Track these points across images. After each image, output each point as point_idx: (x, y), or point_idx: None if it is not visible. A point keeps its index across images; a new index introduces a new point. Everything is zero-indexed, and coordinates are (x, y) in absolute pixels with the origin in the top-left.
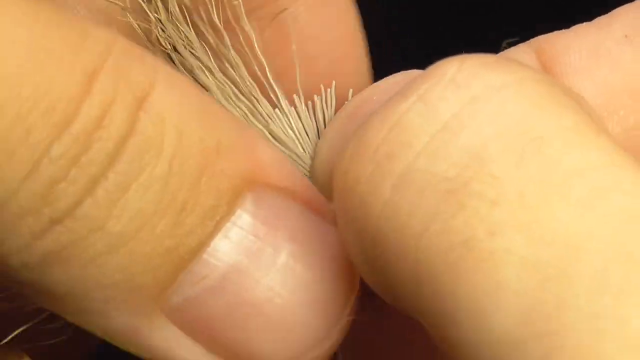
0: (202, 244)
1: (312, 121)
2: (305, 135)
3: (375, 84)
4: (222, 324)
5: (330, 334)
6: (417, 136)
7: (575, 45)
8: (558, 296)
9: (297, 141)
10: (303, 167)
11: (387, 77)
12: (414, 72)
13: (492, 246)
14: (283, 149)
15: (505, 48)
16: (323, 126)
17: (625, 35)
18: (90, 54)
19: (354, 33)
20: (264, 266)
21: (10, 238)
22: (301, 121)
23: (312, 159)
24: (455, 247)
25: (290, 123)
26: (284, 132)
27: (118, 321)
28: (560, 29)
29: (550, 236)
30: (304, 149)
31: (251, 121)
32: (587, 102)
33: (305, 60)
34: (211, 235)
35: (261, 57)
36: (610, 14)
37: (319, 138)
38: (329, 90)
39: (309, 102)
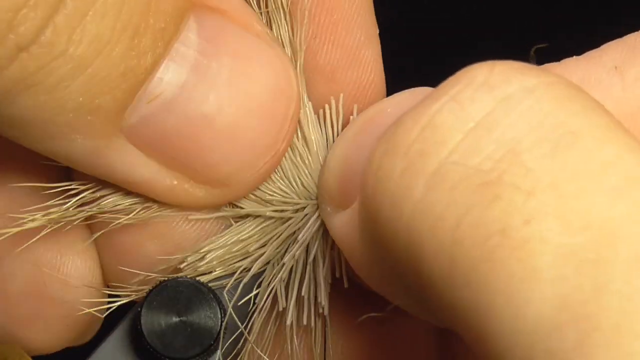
0: (155, 64)
1: (321, 130)
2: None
3: (386, 98)
4: (175, 139)
5: (277, 141)
6: (450, 134)
7: (566, 76)
8: (594, 280)
9: (308, 146)
10: (309, 173)
11: (398, 93)
12: (426, 89)
13: (527, 234)
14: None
15: (534, 55)
16: (331, 136)
17: (615, 67)
18: None
19: (376, 58)
20: (210, 81)
21: None
22: (310, 129)
23: (322, 166)
24: (491, 236)
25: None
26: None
27: (81, 144)
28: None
29: (585, 223)
30: (310, 158)
31: None
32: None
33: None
34: (162, 55)
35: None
36: (600, 48)
37: (327, 147)
38: (339, 100)
39: (320, 111)
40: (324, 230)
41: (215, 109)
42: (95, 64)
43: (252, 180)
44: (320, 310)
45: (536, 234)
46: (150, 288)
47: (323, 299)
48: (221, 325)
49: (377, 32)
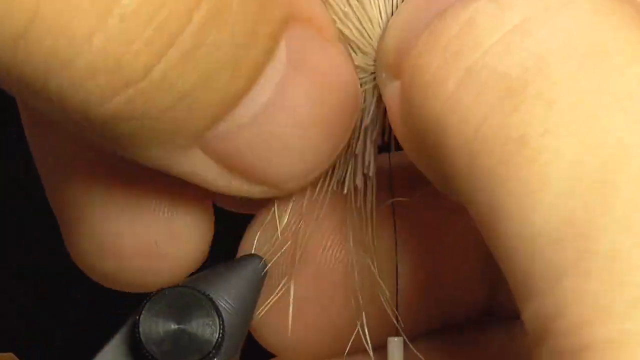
0: (247, 89)
1: None
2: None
3: None
4: (246, 154)
5: (332, 156)
6: (486, 35)
7: None
8: (600, 202)
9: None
10: (368, 38)
11: None
12: None
13: (543, 145)
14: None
15: None
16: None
17: None
18: None
19: None
20: (290, 101)
21: (80, 94)
22: None
23: (382, 32)
24: (509, 141)
25: None
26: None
27: (155, 153)
28: None
29: (601, 142)
30: (371, 22)
31: None
32: None
33: None
34: (255, 80)
35: None
36: None
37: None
38: None
39: None
40: (379, 102)
41: (289, 130)
42: (195, 94)
43: (300, 186)
44: (366, 172)
45: (552, 145)
46: (149, 296)
47: (368, 159)
48: (220, 332)
49: None
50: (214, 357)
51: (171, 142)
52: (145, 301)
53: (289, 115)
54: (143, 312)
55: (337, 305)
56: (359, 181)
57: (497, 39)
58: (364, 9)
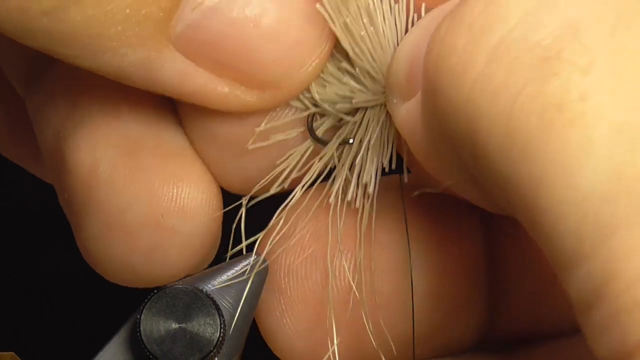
0: None
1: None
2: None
3: None
4: (222, 44)
5: (321, 39)
6: (513, 10)
7: None
8: None
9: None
10: (380, 64)
11: None
12: None
13: (583, 109)
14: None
15: None
16: (402, 32)
17: None
18: None
19: None
20: None
21: None
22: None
23: (392, 57)
24: (548, 108)
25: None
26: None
27: (132, 57)
28: None
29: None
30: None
31: None
32: None
33: None
34: None
35: None
36: None
37: (398, 40)
38: None
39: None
40: (385, 122)
41: (258, 11)
42: None
43: (301, 79)
44: (369, 191)
45: (592, 109)
46: (150, 295)
47: (368, 177)
48: (221, 332)
49: None
50: (215, 357)
51: (135, 35)
52: (146, 300)
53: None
54: (144, 311)
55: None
56: (358, 197)
57: (525, 12)
58: (377, 34)
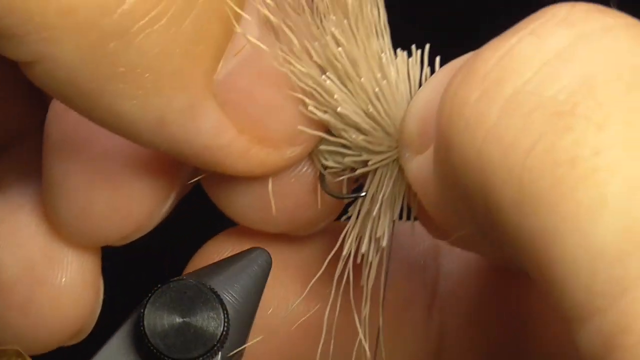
0: (238, 16)
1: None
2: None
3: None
4: (251, 97)
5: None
6: (528, 64)
7: None
8: None
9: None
10: (393, 119)
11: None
12: None
13: (596, 164)
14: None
15: (615, 1)
16: (415, 85)
17: None
18: None
19: None
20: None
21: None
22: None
23: (405, 111)
24: (561, 164)
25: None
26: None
27: (179, 102)
28: None
29: None
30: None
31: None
32: None
33: None
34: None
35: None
36: None
37: (411, 94)
38: (419, 51)
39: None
40: (398, 176)
41: (263, 84)
42: (200, 2)
43: (297, 153)
44: (382, 244)
45: (605, 164)
46: (153, 289)
47: (381, 231)
48: (225, 326)
49: None
50: (219, 351)
51: (189, 75)
52: (149, 294)
53: (258, 72)
54: (147, 305)
55: None
56: (371, 250)
57: (540, 65)
58: (390, 90)
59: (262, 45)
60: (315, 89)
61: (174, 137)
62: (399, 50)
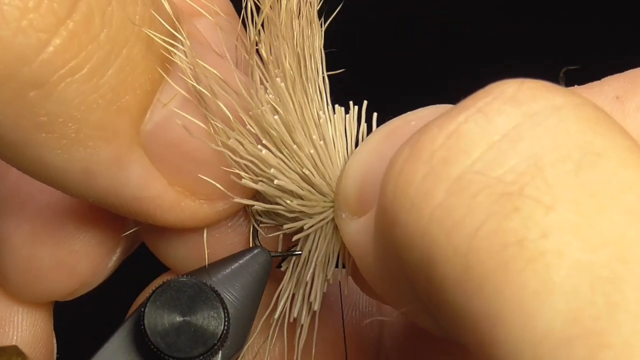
0: (167, 69)
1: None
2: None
3: (411, 112)
4: (179, 151)
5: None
6: (475, 144)
7: None
8: (607, 297)
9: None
10: (328, 179)
11: (423, 108)
12: (448, 106)
13: (544, 247)
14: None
15: (563, 77)
16: (352, 143)
17: (616, 97)
18: None
19: None
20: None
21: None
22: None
23: (341, 172)
24: (507, 247)
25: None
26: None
27: (104, 153)
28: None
29: (602, 240)
30: (331, 162)
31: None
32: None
33: None
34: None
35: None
36: (601, 80)
37: (348, 152)
38: (356, 107)
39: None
40: (332, 236)
41: (188, 139)
42: (124, 52)
43: (251, 190)
44: (314, 308)
45: (553, 247)
46: (154, 288)
47: (314, 295)
48: (225, 325)
49: None
50: (219, 350)
51: (114, 126)
52: (150, 293)
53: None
54: (148, 304)
55: None
56: (303, 313)
57: (488, 145)
58: (327, 150)
59: (191, 119)
60: (250, 160)
61: (101, 188)
62: (337, 107)
